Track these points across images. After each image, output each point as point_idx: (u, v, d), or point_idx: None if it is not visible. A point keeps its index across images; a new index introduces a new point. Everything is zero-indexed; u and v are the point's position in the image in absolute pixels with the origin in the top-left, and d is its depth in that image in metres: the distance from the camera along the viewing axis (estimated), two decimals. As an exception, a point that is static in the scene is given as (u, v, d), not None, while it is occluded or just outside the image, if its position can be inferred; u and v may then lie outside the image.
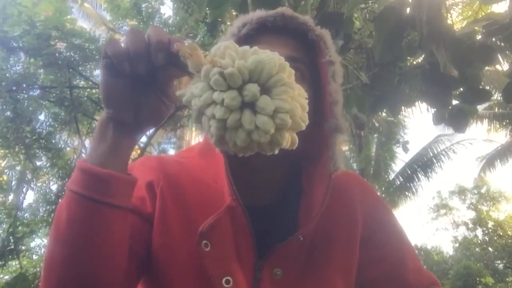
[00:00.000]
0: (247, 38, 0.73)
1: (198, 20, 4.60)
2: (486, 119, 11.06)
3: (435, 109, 2.20)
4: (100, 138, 0.57)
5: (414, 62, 2.63)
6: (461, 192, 15.43)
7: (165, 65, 0.50)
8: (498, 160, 12.36)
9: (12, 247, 5.16)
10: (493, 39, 2.39)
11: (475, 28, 1.88)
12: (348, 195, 0.76)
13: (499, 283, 11.76)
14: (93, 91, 4.85)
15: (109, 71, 0.52)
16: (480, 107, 9.28)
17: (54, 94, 4.68)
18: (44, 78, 4.67)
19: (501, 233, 14.04)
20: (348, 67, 2.48)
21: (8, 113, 4.51)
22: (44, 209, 5.24)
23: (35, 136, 4.78)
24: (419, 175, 11.21)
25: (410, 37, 2.17)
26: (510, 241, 13.64)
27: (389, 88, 2.24)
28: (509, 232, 14.06)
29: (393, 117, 6.78)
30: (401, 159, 10.99)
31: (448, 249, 16.09)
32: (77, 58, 4.40)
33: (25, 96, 4.67)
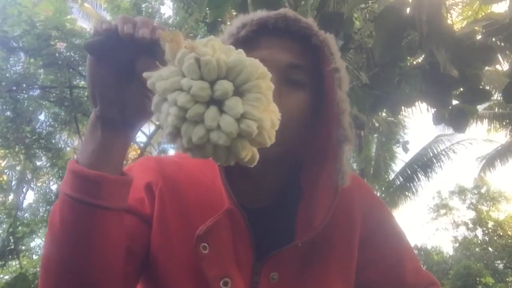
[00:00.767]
0: (246, 39, 0.69)
1: (198, 20, 4.61)
2: (486, 119, 11.06)
3: (435, 109, 2.20)
4: (90, 138, 0.56)
5: (414, 62, 2.63)
6: (461, 192, 15.44)
7: (145, 51, 0.50)
8: (498, 160, 12.37)
9: (12, 247, 5.17)
10: (493, 39, 2.39)
11: (475, 28, 1.88)
12: (346, 196, 0.76)
13: (499, 283, 11.77)
14: (93, 91, 4.84)
15: (96, 52, 0.52)
16: (480, 107, 9.27)
17: (54, 94, 4.68)
18: (44, 78, 4.67)
19: (501, 233, 14.05)
20: (348, 67, 2.48)
21: (8, 113, 4.51)
22: (44, 209, 5.25)
23: (35, 136, 4.78)
24: (419, 175, 11.21)
25: (410, 37, 2.17)
26: (510, 241, 13.65)
27: (389, 88, 2.23)
28: (509, 232, 14.07)
29: (393, 117, 6.78)
30: (401, 159, 11.01)
31: (448, 249, 16.13)
32: (77, 58, 4.41)
33: (25, 96, 4.68)
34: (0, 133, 4.52)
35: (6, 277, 6.32)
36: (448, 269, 12.68)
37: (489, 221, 14.54)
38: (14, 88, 4.32)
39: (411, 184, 11.24)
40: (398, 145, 8.32)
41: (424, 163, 11.26)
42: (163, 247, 0.69)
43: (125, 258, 0.63)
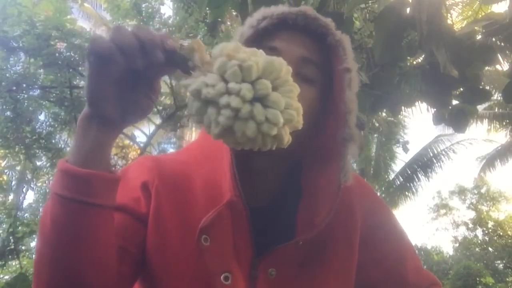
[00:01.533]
0: (265, 31, 0.72)
1: (198, 20, 4.61)
2: (486, 119, 11.05)
3: (435, 109, 2.19)
4: (83, 136, 0.55)
5: (414, 62, 2.63)
6: (461, 192, 15.44)
7: (163, 63, 0.50)
8: (498, 160, 12.36)
9: (12, 247, 5.17)
10: (493, 39, 2.39)
11: (475, 28, 1.88)
12: (347, 195, 0.76)
13: (499, 283, 11.76)
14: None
15: (99, 67, 0.50)
16: (480, 107, 9.27)
17: (54, 94, 4.68)
18: (44, 78, 4.67)
19: (501, 233, 14.05)
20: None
21: (8, 113, 4.51)
22: (44, 209, 5.25)
23: (35, 136, 4.78)
24: (419, 175, 11.21)
25: (410, 37, 2.17)
26: (510, 241, 13.65)
27: (389, 88, 2.23)
28: (509, 232, 14.07)
29: (393, 117, 6.78)
30: (401, 159, 11.02)
31: (448, 249, 16.11)
32: (77, 58, 4.41)
33: (25, 96, 4.68)
34: (0, 133, 4.52)
35: (6, 277, 6.33)
36: (448, 269, 12.68)
37: (489, 221, 14.53)
38: (14, 88, 4.32)
39: (411, 184, 11.24)
40: (398, 145, 8.32)
41: (424, 163, 11.26)
42: (159, 245, 0.69)
43: (120, 258, 0.63)
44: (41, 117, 5.09)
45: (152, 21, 4.80)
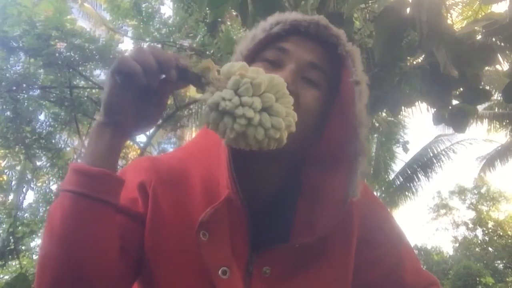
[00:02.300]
0: (277, 36, 0.74)
1: (198, 20, 4.60)
2: (486, 119, 11.04)
3: (435, 109, 2.20)
4: (96, 141, 0.61)
5: (414, 62, 2.63)
6: (461, 192, 15.45)
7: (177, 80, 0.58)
8: (498, 160, 12.35)
9: (12, 247, 5.17)
10: (493, 39, 2.39)
11: (475, 28, 1.88)
12: None
13: (499, 283, 11.77)
14: (93, 91, 4.85)
15: (123, 84, 0.58)
16: (480, 107, 9.28)
17: (54, 94, 4.68)
18: (44, 78, 4.67)
19: (501, 233, 14.06)
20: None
21: (8, 113, 4.51)
22: (44, 209, 5.24)
23: (35, 136, 4.78)
24: (419, 175, 11.21)
25: (410, 37, 2.17)
26: (510, 241, 13.66)
27: (389, 88, 2.24)
28: (509, 232, 14.08)
29: (393, 117, 6.77)
30: (401, 159, 11.00)
31: (448, 249, 16.12)
32: (77, 58, 4.40)
33: (25, 96, 4.67)
34: (0, 133, 4.51)
35: (6, 277, 6.33)
36: (448, 269, 12.69)
37: (489, 221, 14.54)
38: (14, 88, 4.31)
39: (411, 184, 11.24)
40: (398, 145, 8.30)
41: (424, 163, 11.26)
42: (157, 245, 0.70)
43: (119, 257, 0.64)
44: (41, 117, 5.09)
45: (152, 21, 4.79)
